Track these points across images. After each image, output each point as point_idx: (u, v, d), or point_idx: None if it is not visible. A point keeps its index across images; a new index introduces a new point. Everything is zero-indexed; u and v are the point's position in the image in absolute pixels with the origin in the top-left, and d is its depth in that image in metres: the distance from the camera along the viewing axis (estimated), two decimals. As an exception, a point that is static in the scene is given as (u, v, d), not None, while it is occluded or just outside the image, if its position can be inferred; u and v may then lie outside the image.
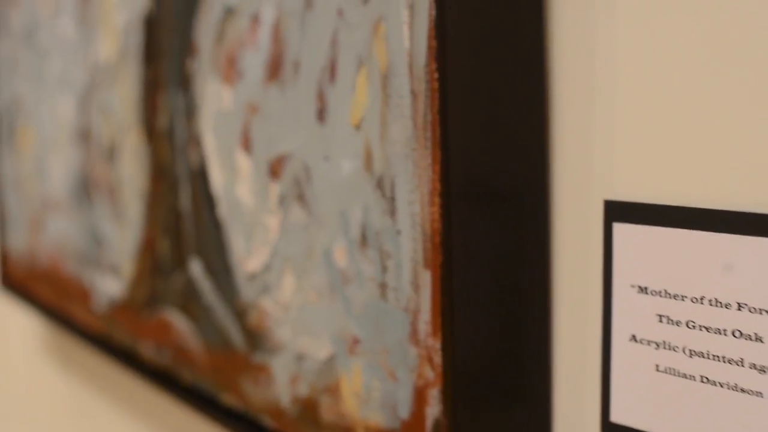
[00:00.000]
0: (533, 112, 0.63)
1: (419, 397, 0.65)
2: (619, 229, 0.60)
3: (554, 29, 0.62)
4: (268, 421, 0.83)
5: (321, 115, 0.73)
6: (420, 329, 0.64)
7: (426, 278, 0.64)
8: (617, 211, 0.60)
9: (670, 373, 0.58)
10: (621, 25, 0.58)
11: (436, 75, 0.61)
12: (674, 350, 0.58)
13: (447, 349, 0.62)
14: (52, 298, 1.29)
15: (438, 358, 0.63)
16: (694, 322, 0.56)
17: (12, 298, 1.45)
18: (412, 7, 0.63)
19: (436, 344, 0.63)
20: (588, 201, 0.62)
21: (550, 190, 0.64)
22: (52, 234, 1.27)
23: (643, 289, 0.59)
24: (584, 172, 0.62)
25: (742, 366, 0.54)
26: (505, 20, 0.62)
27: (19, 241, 1.41)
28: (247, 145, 0.82)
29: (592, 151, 0.61)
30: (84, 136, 1.15)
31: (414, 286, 0.65)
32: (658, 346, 0.58)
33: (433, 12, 0.61)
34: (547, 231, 0.64)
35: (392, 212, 0.66)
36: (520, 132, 0.63)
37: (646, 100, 0.58)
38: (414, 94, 0.63)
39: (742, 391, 0.54)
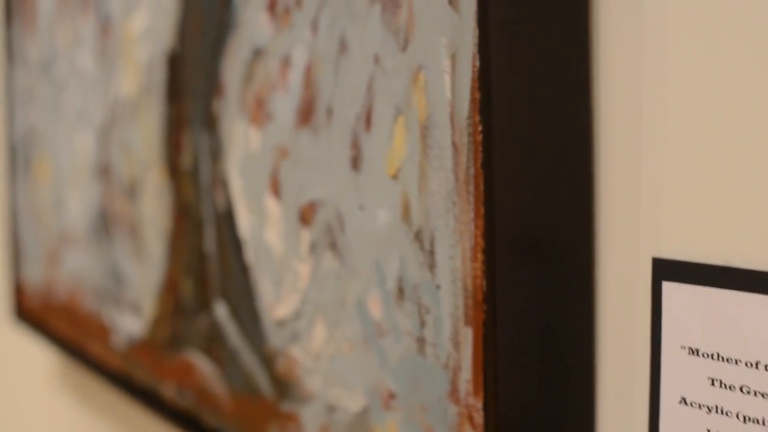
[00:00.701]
0: (579, 164, 0.61)
1: (459, 457, 0.63)
2: (669, 288, 0.58)
3: (600, 83, 0.61)
4: (296, 471, 0.81)
5: (355, 163, 0.71)
6: (460, 387, 0.63)
7: (467, 335, 0.62)
8: (666, 270, 0.58)
9: (724, 440, 0.56)
10: (669, 79, 0.57)
11: (479, 128, 0.59)
12: (727, 415, 0.56)
13: (489, 409, 0.61)
14: (69, 332, 1.28)
15: (479, 418, 0.61)
16: (748, 387, 0.55)
17: (26, 329, 1.43)
18: (454, 57, 0.61)
19: (477, 403, 0.62)
20: (635, 257, 0.60)
21: (595, 245, 0.62)
22: (70, 268, 1.25)
23: (693, 351, 0.57)
24: (631, 228, 0.60)
25: (803, 436, 0.52)
26: (551, 72, 0.60)
27: (34, 273, 1.39)
28: (276, 189, 0.80)
29: (639, 206, 0.60)
30: (103, 171, 1.13)
31: (454, 343, 0.63)
32: (709, 410, 0.57)
33: (477, 63, 0.59)
34: (592, 288, 0.62)
35: (431, 266, 0.64)
36: (566, 185, 0.61)
37: (697, 154, 0.56)
38: (455, 146, 0.62)
39: (802, 462, 0.52)
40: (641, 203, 0.60)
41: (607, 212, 0.61)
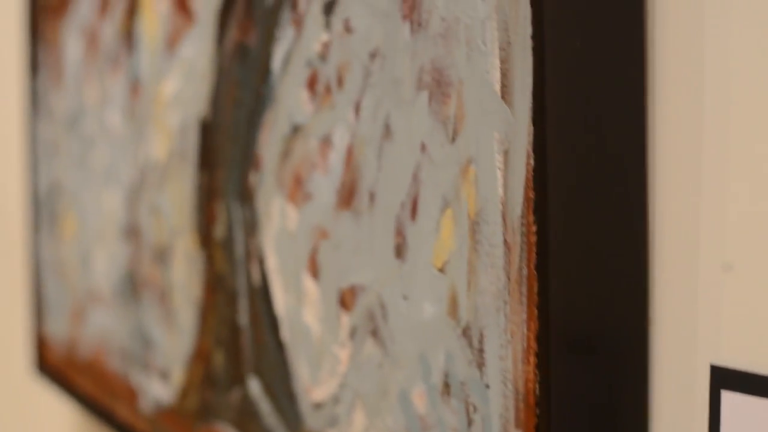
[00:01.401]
0: (635, 266, 0.60)
1: None
2: (728, 398, 0.56)
3: (657, 186, 0.59)
4: None
5: (399, 251, 0.69)
6: (511, 492, 0.61)
7: (519, 440, 0.60)
8: (726, 379, 0.56)
9: None
10: (729, 205, 0.55)
11: (534, 228, 0.58)
12: None
13: None
14: (94, 390, 1.26)
15: None
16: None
17: (48, 383, 1.42)
18: (506, 154, 0.60)
19: None
20: (693, 364, 0.58)
21: (651, 350, 0.60)
22: (96, 326, 1.24)
23: (755, 465, 0.55)
24: (689, 332, 0.58)
25: None
26: (608, 174, 0.58)
27: (58, 328, 1.38)
28: (314, 270, 0.79)
29: (698, 309, 0.58)
30: (131, 233, 1.12)
31: (504, 446, 0.61)
32: None
33: (532, 162, 0.58)
34: (647, 394, 0.60)
35: (480, 364, 0.63)
36: (622, 287, 0.60)
37: (761, 257, 0.54)
38: (508, 244, 0.60)
39: None
40: (700, 306, 0.58)
41: (663, 315, 0.60)
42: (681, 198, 0.58)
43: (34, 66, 1.41)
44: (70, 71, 1.29)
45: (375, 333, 0.72)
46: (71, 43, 1.28)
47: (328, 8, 0.75)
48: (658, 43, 0.59)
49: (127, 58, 1.11)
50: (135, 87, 1.10)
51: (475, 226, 0.62)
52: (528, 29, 0.58)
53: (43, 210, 1.41)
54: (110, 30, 1.16)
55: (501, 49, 0.60)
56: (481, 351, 0.63)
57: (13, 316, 1.62)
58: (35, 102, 1.41)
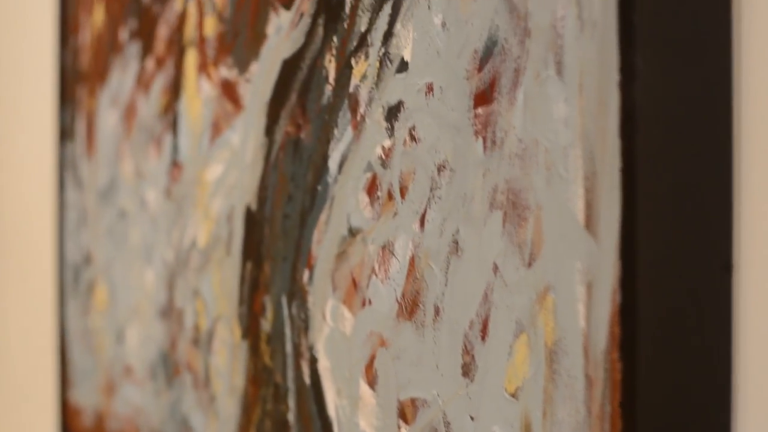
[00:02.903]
0: (721, 403, 0.58)
1: None
2: None
3: (741, 323, 0.57)
4: None
5: (467, 370, 0.67)
6: None
7: None
8: None
9: None
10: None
11: (619, 365, 0.56)
12: None
13: None
14: (123, 467, 1.24)
15: None
16: None
17: (74, 454, 1.40)
18: (590, 286, 0.58)
19: None
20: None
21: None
22: (127, 402, 1.22)
23: None
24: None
25: None
26: (694, 307, 0.57)
27: (86, 398, 1.36)
28: (371, 377, 0.77)
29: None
30: (168, 313, 1.10)
31: None
32: None
33: (619, 298, 0.56)
34: None
35: (557, 498, 0.61)
36: (707, 425, 0.58)
37: None
38: (589, 378, 0.58)
39: None
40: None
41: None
42: (765, 334, 0.57)
43: (66, 132, 1.40)
44: (104, 142, 1.28)
45: (439, 450, 0.70)
46: (107, 113, 1.27)
47: (391, 114, 0.74)
48: (745, 178, 0.57)
49: (166, 137, 1.10)
50: (175, 167, 1.08)
51: (552, 355, 0.61)
52: (617, 161, 0.56)
53: (68, 277, 1.39)
54: (149, 106, 1.15)
55: (585, 178, 0.58)
56: (558, 484, 0.61)
57: (41, 383, 1.60)
58: (66, 169, 1.40)
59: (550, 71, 0.60)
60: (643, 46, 0.55)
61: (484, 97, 0.65)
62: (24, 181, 1.67)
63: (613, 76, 0.56)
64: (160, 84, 1.12)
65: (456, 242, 0.68)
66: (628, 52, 0.55)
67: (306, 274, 0.85)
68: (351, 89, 0.78)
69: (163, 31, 1.11)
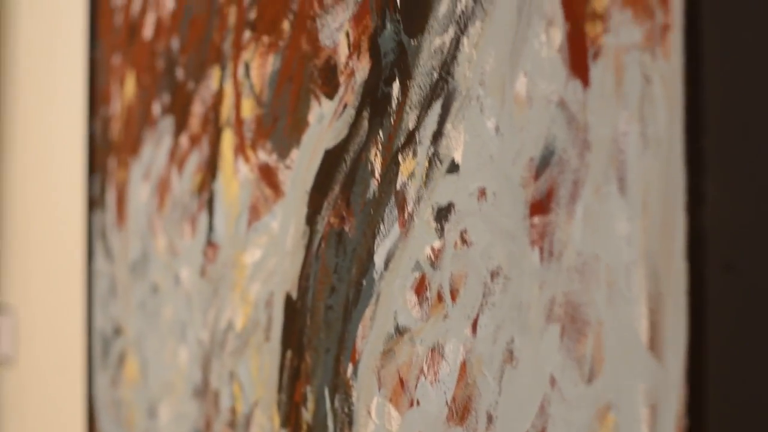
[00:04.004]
0: None
1: None
2: None
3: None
4: None
5: (523, 482, 0.66)
6: None
7: None
8: None
9: None
10: None
11: (687, 494, 0.55)
12: None
13: None
14: None
15: None
16: None
17: None
18: (654, 409, 0.56)
19: None
20: None
21: None
22: (157, 480, 1.21)
23: None
24: None
25: None
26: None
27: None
28: (420, 480, 0.75)
29: None
30: (203, 393, 1.09)
31: None
32: None
33: (685, 423, 0.55)
34: None
35: None
36: None
37: None
38: (655, 503, 0.57)
39: None
40: None
41: None
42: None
43: (95, 201, 1.39)
44: (135, 214, 1.27)
45: None
46: (138, 186, 1.26)
47: (441, 215, 0.73)
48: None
49: (201, 215, 1.09)
50: (210, 247, 1.07)
51: (615, 476, 0.59)
52: (683, 283, 0.55)
53: (101, 348, 1.38)
54: (183, 183, 1.14)
55: (649, 298, 0.57)
56: None
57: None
58: (96, 238, 1.39)
59: (612, 187, 0.59)
60: (713, 171, 0.54)
61: (540, 206, 0.64)
62: (54, 248, 1.67)
63: (680, 198, 0.55)
64: (194, 161, 1.11)
65: (510, 351, 0.67)
66: (696, 175, 0.54)
67: (350, 369, 0.83)
68: (398, 186, 0.77)
69: (198, 109, 1.10)
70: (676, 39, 0.55)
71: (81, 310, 1.50)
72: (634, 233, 0.58)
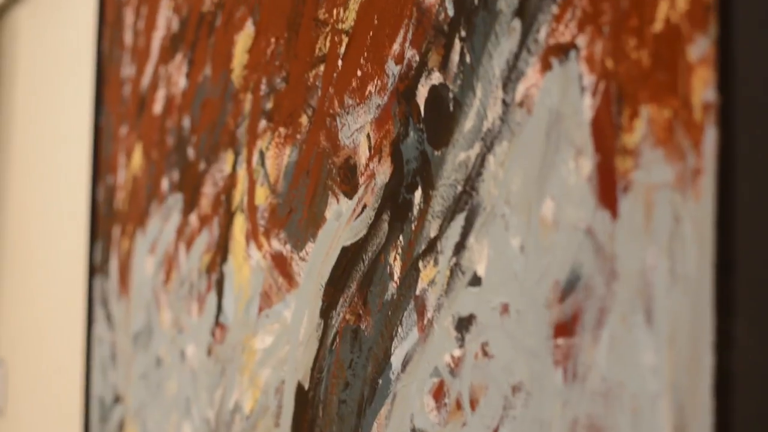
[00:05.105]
0: None
1: None
2: None
3: None
4: None
5: None
6: None
7: None
8: None
9: None
10: None
11: None
12: None
13: None
14: None
15: None
16: None
17: None
18: None
19: None
20: None
21: None
22: None
23: None
24: None
25: None
26: None
27: None
28: None
29: None
30: (207, 471, 1.10)
31: None
32: None
33: None
34: None
35: None
36: None
37: None
38: None
39: None
40: None
41: None
42: None
43: (96, 267, 1.40)
44: (139, 285, 1.28)
45: None
46: (143, 258, 1.27)
47: (462, 325, 0.74)
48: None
49: (210, 296, 1.10)
50: (219, 327, 1.08)
51: None
52: (709, 419, 0.56)
53: (99, 414, 1.38)
54: (190, 261, 1.15)
55: (675, 429, 0.58)
56: None
57: None
58: (96, 303, 1.40)
59: (638, 317, 0.61)
60: (741, 315, 0.55)
61: (565, 328, 0.66)
62: (53, 309, 1.67)
63: (707, 336, 0.57)
64: (204, 241, 1.12)
65: (532, 465, 0.68)
66: (725, 317, 0.56)
67: (363, 465, 0.85)
68: (417, 291, 0.79)
69: (209, 189, 1.12)
70: (707, 183, 0.57)
71: (80, 373, 1.50)
72: (660, 365, 0.59)
